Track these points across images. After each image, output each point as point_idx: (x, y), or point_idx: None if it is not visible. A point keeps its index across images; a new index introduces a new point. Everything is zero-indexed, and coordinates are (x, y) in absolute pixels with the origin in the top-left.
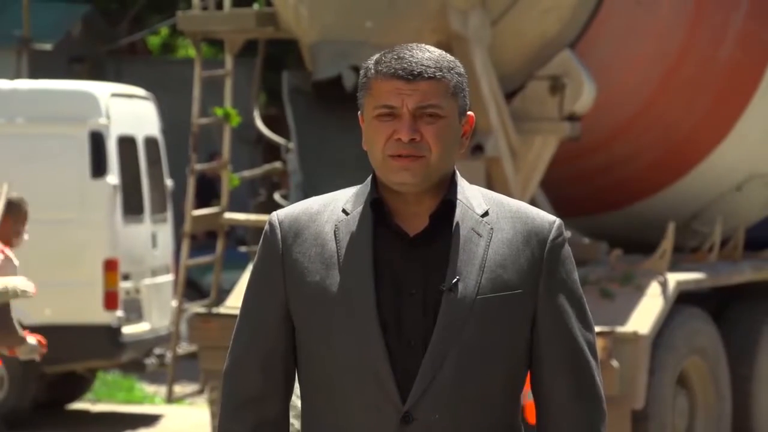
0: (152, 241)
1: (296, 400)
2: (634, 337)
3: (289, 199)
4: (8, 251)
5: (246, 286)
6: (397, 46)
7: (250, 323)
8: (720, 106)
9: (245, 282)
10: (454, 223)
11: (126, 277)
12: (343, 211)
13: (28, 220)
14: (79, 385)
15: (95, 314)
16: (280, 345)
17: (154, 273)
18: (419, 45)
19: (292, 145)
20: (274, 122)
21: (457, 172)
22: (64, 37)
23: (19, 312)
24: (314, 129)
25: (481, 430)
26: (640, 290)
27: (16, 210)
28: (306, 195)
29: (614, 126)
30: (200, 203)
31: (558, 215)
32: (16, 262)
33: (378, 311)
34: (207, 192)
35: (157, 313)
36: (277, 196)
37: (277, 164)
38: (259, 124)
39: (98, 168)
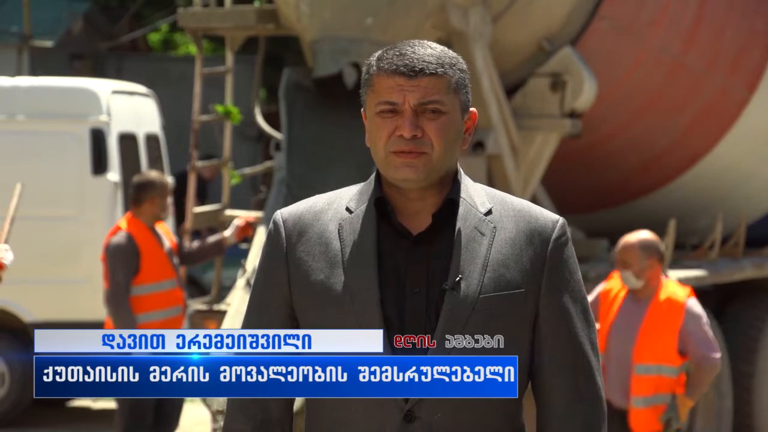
0: None
1: None
2: None
3: (271, 195)
4: None
5: (252, 285)
6: (399, 43)
7: (255, 321)
8: (722, 101)
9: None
10: (457, 222)
11: None
12: (347, 209)
13: (30, 217)
14: None
15: (96, 311)
16: None
17: None
18: (421, 41)
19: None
20: (275, 119)
21: (461, 169)
22: (64, 34)
23: (19, 310)
24: (306, 126)
25: (482, 429)
26: None
27: None
28: (289, 191)
29: (615, 123)
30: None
31: (559, 212)
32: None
33: (382, 309)
34: (201, 191)
35: None
36: None
37: None
38: (260, 121)
39: (99, 165)
